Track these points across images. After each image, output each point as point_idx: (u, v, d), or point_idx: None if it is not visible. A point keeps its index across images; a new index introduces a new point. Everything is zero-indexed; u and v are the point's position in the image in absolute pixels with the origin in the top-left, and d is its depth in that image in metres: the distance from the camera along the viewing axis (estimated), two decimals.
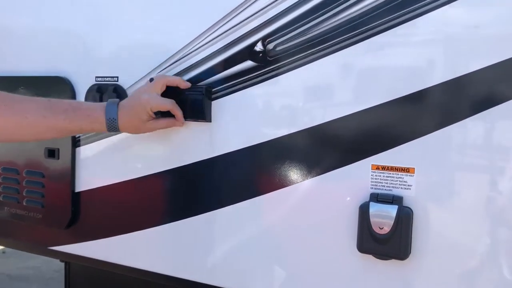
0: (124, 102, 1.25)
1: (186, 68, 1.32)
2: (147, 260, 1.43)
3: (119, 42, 1.45)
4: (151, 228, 1.42)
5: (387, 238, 1.05)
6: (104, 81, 1.46)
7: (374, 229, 1.06)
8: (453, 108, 1.02)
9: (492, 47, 0.99)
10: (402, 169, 1.08)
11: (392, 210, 1.05)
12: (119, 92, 1.42)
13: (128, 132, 1.28)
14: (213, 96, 1.29)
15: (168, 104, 1.24)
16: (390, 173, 1.09)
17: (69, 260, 1.70)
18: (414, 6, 1.04)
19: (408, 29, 1.05)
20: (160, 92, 1.25)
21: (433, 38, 1.04)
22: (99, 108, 1.22)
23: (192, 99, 1.27)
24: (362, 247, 1.09)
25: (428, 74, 1.04)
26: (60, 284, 1.88)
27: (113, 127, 1.22)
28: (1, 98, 1.13)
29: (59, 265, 2.00)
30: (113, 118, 1.21)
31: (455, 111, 1.02)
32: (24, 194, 1.62)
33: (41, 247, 1.65)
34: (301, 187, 1.19)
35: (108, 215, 1.50)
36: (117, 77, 1.44)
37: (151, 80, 1.27)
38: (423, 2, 1.03)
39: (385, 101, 1.08)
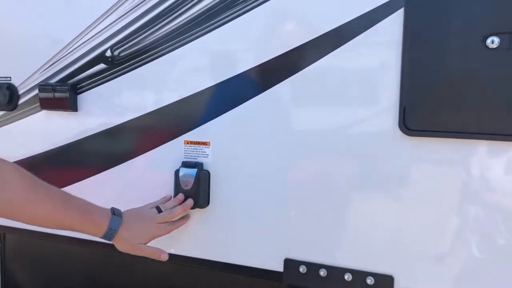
0: (130, 216, 1.32)
1: (60, 69, 1.70)
2: None
3: (7, 50, 1.81)
4: None
5: (190, 192, 1.45)
6: (0, 80, 1.82)
7: (182, 187, 1.46)
8: (227, 101, 1.43)
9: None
10: (202, 143, 1.48)
11: (193, 172, 1.45)
12: (11, 90, 1.79)
13: (116, 245, 1.29)
14: (78, 91, 1.67)
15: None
16: (195, 146, 1.49)
17: None
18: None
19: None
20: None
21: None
22: (105, 215, 1.26)
23: (61, 95, 1.65)
24: None
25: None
26: None
27: (108, 236, 1.25)
28: (31, 180, 1.15)
29: None
30: (114, 229, 1.24)
31: (227, 103, 1.42)
32: None
33: None
34: (142, 158, 1.58)
35: None
36: (10, 77, 1.80)
37: (159, 210, 1.38)
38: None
39: (191, 94, 1.48)
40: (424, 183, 1.21)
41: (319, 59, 1.31)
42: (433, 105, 1.18)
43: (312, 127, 1.34)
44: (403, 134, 1.21)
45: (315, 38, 1.30)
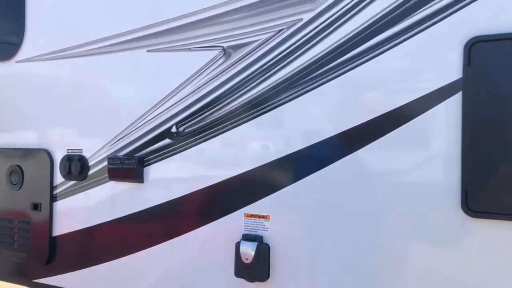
0: None
1: (127, 143, 1.82)
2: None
3: (80, 125, 1.96)
4: (110, 262, 1.87)
5: (250, 266, 1.49)
6: (73, 152, 1.96)
7: (243, 260, 1.50)
8: (288, 175, 1.48)
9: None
10: (262, 216, 1.53)
11: (253, 246, 1.49)
12: (82, 161, 1.93)
13: None
14: (144, 164, 1.77)
15: None
16: (255, 219, 1.54)
17: None
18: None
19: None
20: None
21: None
22: None
23: (128, 167, 1.76)
24: (237, 273, 1.53)
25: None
26: None
27: None
28: None
29: None
30: None
31: (287, 178, 1.48)
32: (15, 238, 2.11)
33: (26, 280, 2.12)
34: (203, 229, 1.64)
35: (78, 253, 1.96)
36: (81, 149, 1.95)
37: None
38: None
39: (251, 168, 1.55)
40: (488, 264, 1.20)
41: (365, 145, 1.35)
42: (495, 187, 1.18)
43: (372, 205, 1.36)
44: (466, 215, 1.21)
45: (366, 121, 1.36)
